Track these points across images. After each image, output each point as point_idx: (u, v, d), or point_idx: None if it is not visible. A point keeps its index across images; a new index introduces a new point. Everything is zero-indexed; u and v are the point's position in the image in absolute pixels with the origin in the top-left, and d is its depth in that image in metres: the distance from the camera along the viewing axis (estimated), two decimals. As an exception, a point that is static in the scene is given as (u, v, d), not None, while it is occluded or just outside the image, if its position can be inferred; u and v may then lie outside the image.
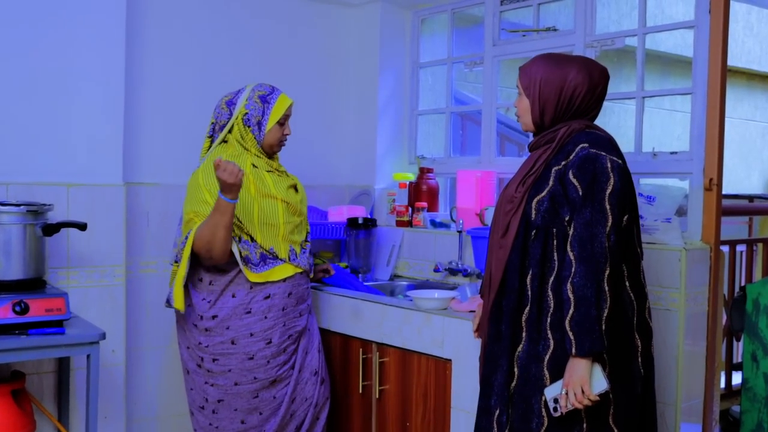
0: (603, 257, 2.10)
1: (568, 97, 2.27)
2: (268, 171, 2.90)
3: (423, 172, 3.91)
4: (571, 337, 2.09)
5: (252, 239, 2.81)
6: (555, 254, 2.20)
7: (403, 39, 4.16)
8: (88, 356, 2.75)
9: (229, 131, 2.90)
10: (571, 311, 2.10)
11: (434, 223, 3.82)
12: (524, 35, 3.62)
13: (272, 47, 3.87)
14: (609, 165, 2.16)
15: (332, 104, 4.09)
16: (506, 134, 5.02)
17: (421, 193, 3.88)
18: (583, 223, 2.13)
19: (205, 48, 3.65)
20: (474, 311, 2.76)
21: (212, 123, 2.94)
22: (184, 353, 2.93)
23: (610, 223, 2.12)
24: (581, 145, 2.21)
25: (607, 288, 2.10)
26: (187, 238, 2.73)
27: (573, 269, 2.12)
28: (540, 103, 2.30)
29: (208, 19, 3.66)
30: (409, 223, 3.86)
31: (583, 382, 2.09)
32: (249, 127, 2.87)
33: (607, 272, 2.10)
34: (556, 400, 2.14)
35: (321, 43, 4.06)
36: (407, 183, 3.90)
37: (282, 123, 2.92)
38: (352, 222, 3.75)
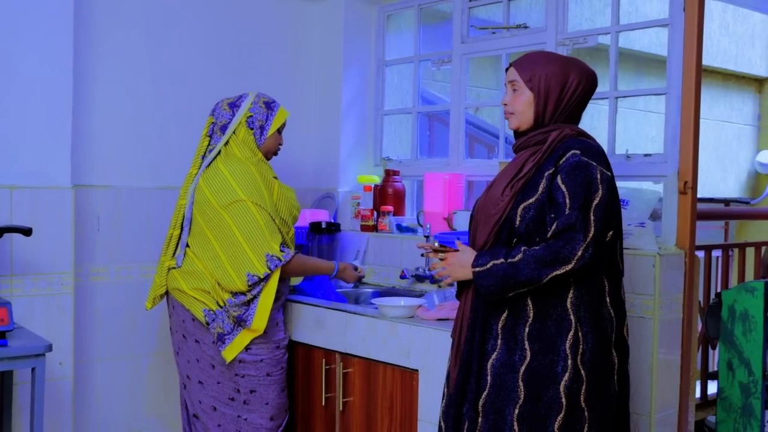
0: (566, 260, 2.15)
1: (569, 94, 2.32)
2: (274, 177, 3.13)
3: (389, 174, 3.92)
4: (490, 267, 2.22)
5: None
6: None
7: (369, 35, 4.17)
8: (33, 369, 2.72)
9: (233, 132, 3.06)
10: (515, 261, 2.19)
11: (400, 228, 3.83)
12: (494, 32, 3.64)
13: (230, 43, 3.86)
14: (599, 176, 2.20)
15: (294, 103, 4.05)
16: (475, 135, 5.06)
17: (387, 196, 3.89)
18: (564, 223, 2.17)
19: (160, 42, 3.63)
20: (443, 319, 2.79)
21: (211, 123, 3.11)
22: (210, 349, 2.97)
23: (591, 235, 2.15)
24: (573, 152, 2.24)
25: (544, 281, 2.16)
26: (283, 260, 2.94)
27: (537, 247, 2.18)
28: (544, 96, 2.33)
29: (163, 12, 3.63)
30: (375, 228, 3.87)
31: (454, 273, 2.33)
32: (252, 129, 3.09)
33: (554, 274, 2.15)
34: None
35: (282, 39, 4.06)
36: (372, 186, 3.90)
37: (280, 131, 3.16)
38: (314, 226, 3.75)
